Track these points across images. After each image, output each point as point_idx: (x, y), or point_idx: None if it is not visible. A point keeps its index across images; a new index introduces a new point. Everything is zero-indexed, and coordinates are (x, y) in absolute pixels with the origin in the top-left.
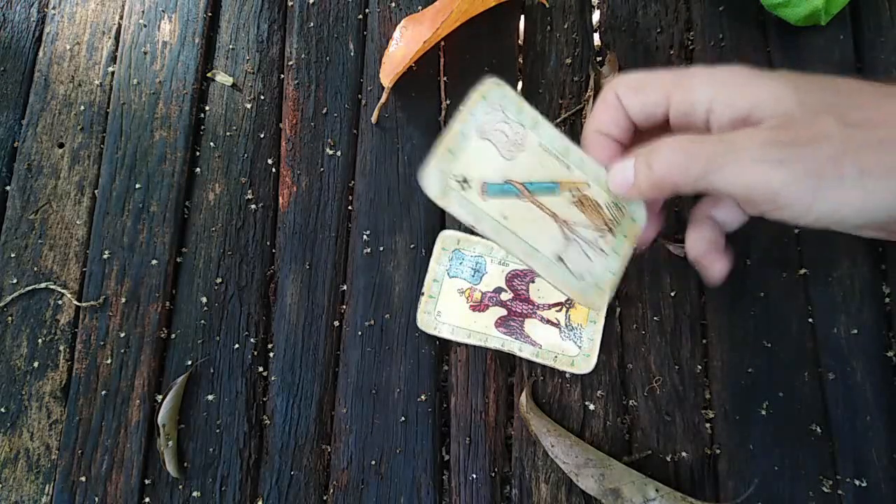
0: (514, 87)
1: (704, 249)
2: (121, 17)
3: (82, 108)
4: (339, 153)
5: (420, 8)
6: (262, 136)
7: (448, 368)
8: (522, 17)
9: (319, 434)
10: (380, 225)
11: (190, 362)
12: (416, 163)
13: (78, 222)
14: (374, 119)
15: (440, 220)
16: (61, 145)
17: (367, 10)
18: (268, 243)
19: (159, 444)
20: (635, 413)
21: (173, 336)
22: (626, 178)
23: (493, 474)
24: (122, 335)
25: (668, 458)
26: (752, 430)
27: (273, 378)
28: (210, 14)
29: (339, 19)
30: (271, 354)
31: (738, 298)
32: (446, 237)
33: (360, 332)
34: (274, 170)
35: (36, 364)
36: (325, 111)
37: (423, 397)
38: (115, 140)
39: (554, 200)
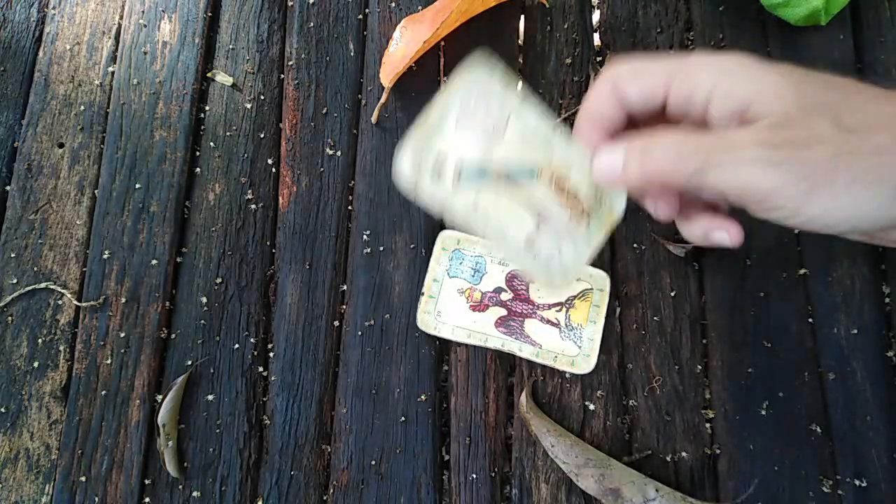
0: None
1: (703, 229)
2: (121, 17)
3: (82, 108)
4: (339, 153)
5: (420, 8)
6: (262, 136)
7: (448, 368)
8: (522, 17)
9: (319, 434)
10: (380, 225)
11: (190, 362)
12: None
13: (78, 222)
14: (374, 119)
15: (440, 220)
16: (61, 145)
17: (367, 10)
18: (268, 243)
19: (159, 444)
20: (635, 413)
21: (173, 336)
22: (614, 167)
23: (493, 474)
24: (122, 335)
25: (668, 458)
26: (752, 430)
27: (273, 378)
28: (210, 14)
29: (339, 19)
30: (271, 354)
31: (738, 298)
32: (446, 237)
33: (360, 332)
34: (274, 170)
35: (36, 364)
36: (325, 111)
37: (423, 397)
38: (115, 140)
39: (531, 186)
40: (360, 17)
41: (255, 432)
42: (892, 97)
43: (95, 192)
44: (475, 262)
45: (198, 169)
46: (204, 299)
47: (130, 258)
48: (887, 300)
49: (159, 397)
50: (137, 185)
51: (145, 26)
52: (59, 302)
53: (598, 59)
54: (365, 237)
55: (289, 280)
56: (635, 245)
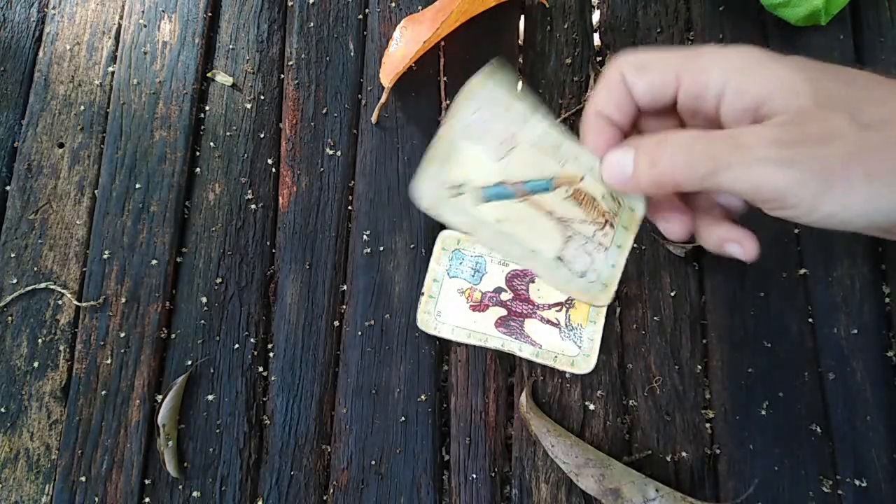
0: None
1: (719, 239)
2: (121, 17)
3: (82, 108)
4: (339, 153)
5: (420, 8)
6: (262, 136)
7: (448, 368)
8: (522, 17)
9: (319, 434)
10: (380, 225)
11: (190, 362)
12: (416, 163)
13: (78, 222)
14: (374, 119)
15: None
16: (61, 145)
17: (367, 10)
18: (268, 243)
19: (159, 444)
20: (635, 413)
21: (173, 336)
22: (624, 170)
23: (493, 474)
24: (122, 335)
25: (668, 458)
26: (752, 430)
27: (273, 378)
28: (210, 14)
29: (339, 19)
30: (271, 354)
31: (738, 298)
32: (446, 237)
33: (360, 332)
34: (274, 170)
35: (36, 364)
36: (325, 111)
37: (423, 397)
38: (115, 140)
39: (549, 198)
40: (360, 17)
41: (255, 432)
42: None
43: (95, 192)
44: (475, 262)
45: (198, 169)
46: (204, 299)
47: (130, 258)
48: (887, 300)
49: (159, 397)
50: (137, 185)
51: (145, 26)
52: (59, 302)
53: (598, 59)
54: (365, 237)
55: (289, 280)
56: (635, 245)
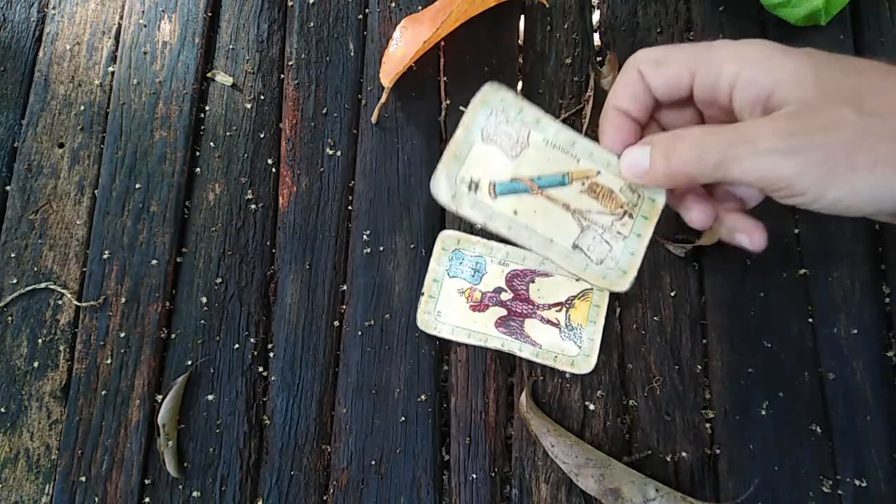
0: (514, 86)
1: (730, 229)
2: (121, 17)
3: (82, 108)
4: (339, 153)
5: (420, 8)
6: (262, 136)
7: (448, 368)
8: (522, 17)
9: (319, 434)
10: (380, 225)
11: (190, 362)
12: (416, 163)
13: (78, 222)
14: (374, 119)
15: (440, 220)
16: (61, 145)
17: (367, 10)
18: (268, 243)
19: (159, 444)
20: (635, 413)
21: (173, 336)
22: (641, 165)
23: (493, 474)
24: (122, 335)
25: (668, 458)
26: (752, 430)
27: (273, 378)
28: (210, 14)
29: (339, 19)
30: (271, 354)
31: (738, 298)
32: (446, 237)
33: (360, 332)
34: (274, 170)
35: (36, 364)
36: (325, 111)
37: (423, 397)
38: (115, 140)
39: (565, 192)
40: (360, 17)
41: (255, 432)
42: None
43: (95, 192)
44: (475, 262)
45: (198, 169)
46: (204, 299)
47: (130, 258)
48: (887, 300)
49: (159, 397)
50: (137, 185)
51: (145, 26)
52: (59, 302)
53: (598, 59)
54: (365, 237)
55: (289, 280)
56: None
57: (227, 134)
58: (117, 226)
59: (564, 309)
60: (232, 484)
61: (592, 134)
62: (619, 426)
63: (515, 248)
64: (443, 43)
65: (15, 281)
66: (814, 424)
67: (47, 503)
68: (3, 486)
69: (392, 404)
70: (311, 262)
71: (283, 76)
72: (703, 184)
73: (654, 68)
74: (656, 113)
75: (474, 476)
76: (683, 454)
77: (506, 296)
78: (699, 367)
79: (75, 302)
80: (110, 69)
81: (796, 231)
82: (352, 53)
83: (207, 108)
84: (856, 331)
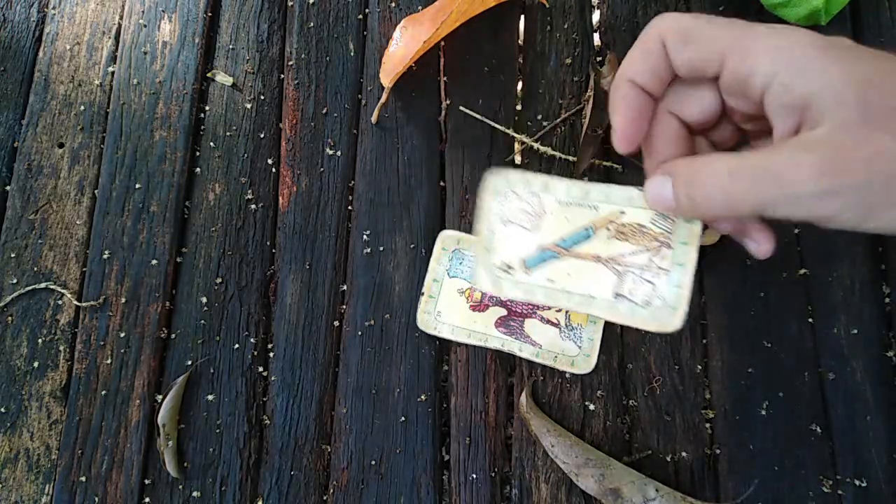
0: (515, 86)
1: (741, 231)
2: (121, 17)
3: (82, 108)
4: (339, 153)
5: (420, 8)
6: (262, 136)
7: (448, 368)
8: (522, 17)
9: (319, 434)
10: (380, 225)
11: (190, 362)
12: (416, 163)
13: (78, 222)
14: (374, 119)
15: (440, 220)
16: (61, 145)
17: (367, 10)
18: (268, 243)
19: (159, 444)
20: (635, 413)
21: (173, 336)
22: (666, 200)
23: (493, 474)
24: (122, 335)
25: (668, 458)
26: (752, 430)
27: (273, 378)
28: (210, 14)
29: (339, 19)
30: (271, 354)
31: (738, 298)
32: (446, 237)
33: (360, 332)
34: (274, 170)
35: (36, 364)
36: (325, 111)
37: (423, 397)
38: (115, 140)
39: (593, 243)
40: (360, 17)
41: (255, 432)
42: None
43: (95, 192)
44: (475, 262)
45: (198, 169)
46: (204, 299)
47: (130, 258)
48: (887, 300)
49: (159, 397)
50: (137, 185)
51: (145, 26)
52: (59, 302)
53: (598, 59)
54: (365, 237)
55: (289, 280)
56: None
57: (227, 134)
58: (117, 226)
59: (564, 309)
60: (232, 484)
61: (592, 133)
62: (619, 426)
63: None
64: (443, 43)
65: (15, 281)
66: (814, 424)
67: (47, 503)
68: (3, 486)
69: (392, 404)
70: (311, 262)
71: (283, 76)
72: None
73: (681, 43)
74: (670, 87)
75: (474, 476)
76: (683, 454)
77: None
78: (699, 367)
79: (75, 302)
80: (110, 69)
81: (796, 231)
82: (352, 53)
83: (207, 108)
84: (856, 331)
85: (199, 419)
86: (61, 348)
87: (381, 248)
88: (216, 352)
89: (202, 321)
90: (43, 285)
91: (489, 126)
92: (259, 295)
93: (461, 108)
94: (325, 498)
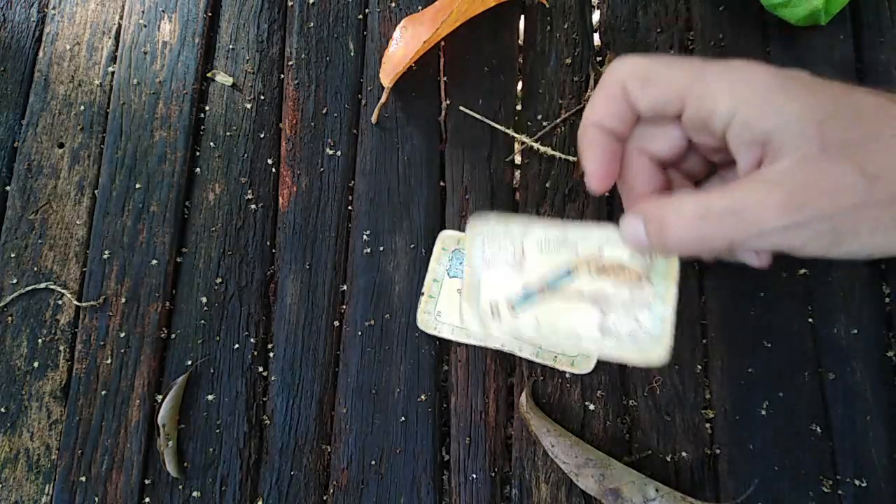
0: (515, 86)
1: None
2: (121, 17)
3: (82, 108)
4: (339, 153)
5: (420, 8)
6: (262, 136)
7: (448, 368)
8: (522, 17)
9: (319, 434)
10: (380, 225)
11: (190, 362)
12: (416, 163)
13: (78, 222)
14: (374, 119)
15: (440, 220)
16: (61, 145)
17: (367, 10)
18: (268, 243)
19: (159, 444)
20: (635, 413)
21: (173, 336)
22: (640, 239)
23: (493, 474)
24: (122, 335)
25: (668, 458)
26: (752, 430)
27: (273, 378)
28: (210, 14)
29: (339, 19)
30: (271, 354)
31: (738, 298)
32: (446, 237)
33: (360, 332)
34: (274, 170)
35: (36, 364)
36: (325, 111)
37: (423, 397)
38: (115, 140)
39: (576, 283)
40: (360, 17)
41: (255, 432)
42: None
43: (95, 192)
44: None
45: (198, 169)
46: (204, 299)
47: (130, 258)
48: (887, 300)
49: (159, 397)
50: (137, 185)
51: (145, 26)
52: (59, 302)
53: (598, 59)
54: (365, 237)
55: (289, 280)
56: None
57: (227, 134)
58: (117, 226)
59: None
60: (232, 484)
61: None
62: (619, 426)
63: None
64: (443, 43)
65: (15, 281)
66: (814, 424)
67: (47, 503)
68: (3, 486)
69: (392, 404)
70: (311, 262)
71: (283, 76)
72: None
73: (641, 87)
74: (636, 126)
75: (474, 476)
76: (683, 454)
77: None
78: (699, 367)
79: (75, 302)
80: (110, 69)
81: None
82: (352, 53)
83: (207, 108)
84: (856, 331)
85: (199, 419)
86: (61, 348)
87: (381, 248)
88: (216, 352)
89: (202, 321)
90: (43, 285)
91: (489, 126)
92: (259, 295)
93: (461, 108)
94: (325, 498)
